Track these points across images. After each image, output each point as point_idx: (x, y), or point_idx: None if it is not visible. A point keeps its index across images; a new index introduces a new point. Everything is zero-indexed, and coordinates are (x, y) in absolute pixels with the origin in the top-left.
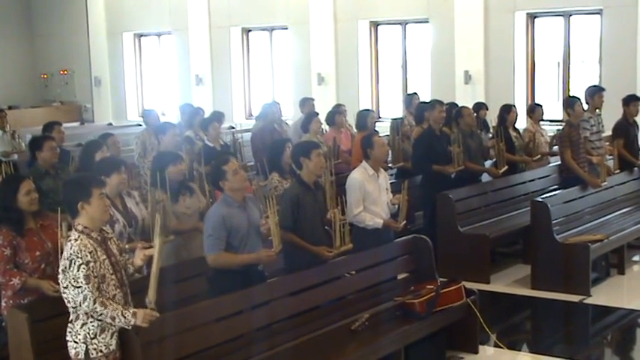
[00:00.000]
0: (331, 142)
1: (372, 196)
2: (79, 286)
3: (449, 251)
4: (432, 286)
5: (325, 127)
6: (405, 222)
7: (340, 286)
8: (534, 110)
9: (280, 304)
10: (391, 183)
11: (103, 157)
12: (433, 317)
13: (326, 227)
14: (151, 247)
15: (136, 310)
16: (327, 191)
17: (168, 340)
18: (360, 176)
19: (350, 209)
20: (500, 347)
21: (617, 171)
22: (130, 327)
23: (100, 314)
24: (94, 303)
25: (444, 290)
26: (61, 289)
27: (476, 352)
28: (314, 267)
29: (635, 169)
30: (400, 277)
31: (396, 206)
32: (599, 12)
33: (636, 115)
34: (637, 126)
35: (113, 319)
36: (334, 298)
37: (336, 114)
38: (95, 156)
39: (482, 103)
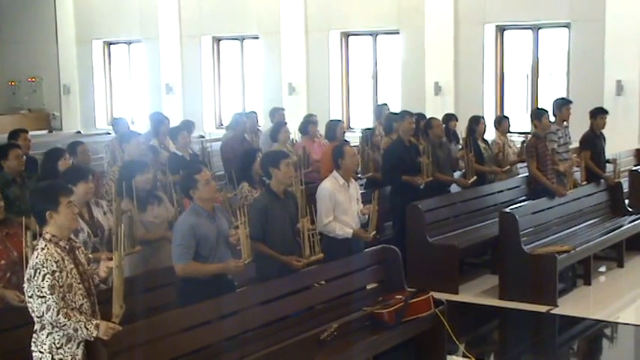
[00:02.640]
0: (301, 152)
1: (342, 206)
2: (43, 296)
3: (418, 261)
4: (400, 296)
5: (295, 136)
6: (374, 232)
7: (309, 296)
8: (501, 122)
9: (249, 314)
10: (361, 193)
11: (66, 165)
12: (402, 327)
13: (297, 238)
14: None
15: (98, 322)
16: (299, 200)
17: (137, 350)
18: (330, 186)
19: (320, 219)
20: (468, 357)
21: (584, 183)
22: (92, 339)
23: (63, 325)
24: (58, 314)
25: (413, 300)
26: (26, 299)
27: None
28: (284, 277)
29: (602, 181)
30: (369, 287)
31: (366, 216)
32: (567, 25)
33: (603, 128)
34: (604, 138)
35: (76, 330)
36: (303, 308)
37: (309, 124)
38: (58, 164)
39: (452, 115)
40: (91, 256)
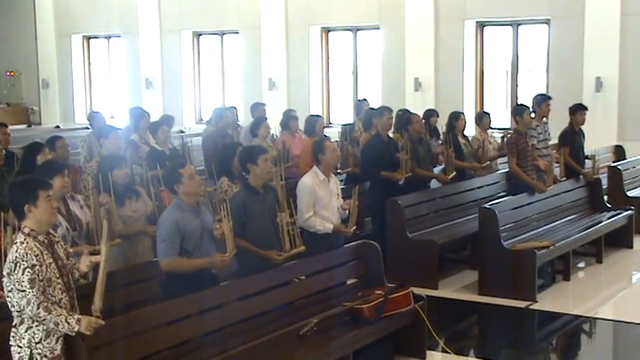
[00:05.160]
0: (281, 147)
1: (322, 201)
2: (23, 290)
3: (398, 257)
4: (380, 292)
5: (275, 131)
6: (355, 227)
7: (289, 291)
8: (482, 118)
9: (229, 309)
10: (341, 188)
11: (45, 159)
12: (381, 322)
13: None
14: (95, 252)
15: (80, 316)
16: (279, 195)
17: (116, 345)
18: (310, 181)
19: (300, 214)
20: (448, 352)
21: (563, 179)
22: (74, 334)
23: (44, 319)
24: (38, 308)
25: (393, 296)
26: (5, 293)
27: (424, 357)
28: (264, 271)
29: (581, 177)
30: (349, 282)
31: (347, 211)
32: (546, 22)
33: (582, 124)
34: (583, 134)
35: (57, 324)
36: (283, 303)
37: (290, 119)
38: (37, 158)
39: (433, 110)
40: (71, 250)
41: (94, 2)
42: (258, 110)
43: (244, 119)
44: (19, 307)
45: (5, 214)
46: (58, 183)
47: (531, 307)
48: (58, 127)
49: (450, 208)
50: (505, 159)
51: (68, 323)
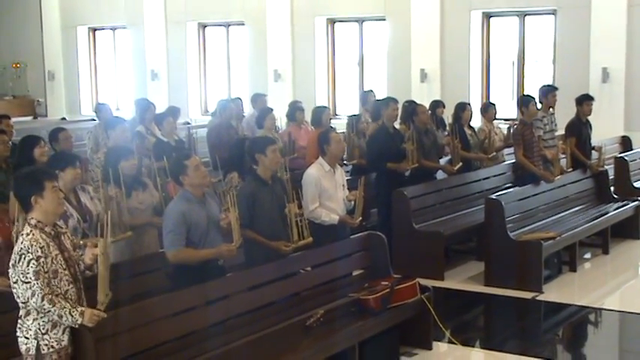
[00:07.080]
0: (287, 138)
1: (328, 192)
2: (28, 282)
3: (404, 248)
4: (386, 283)
5: (281, 122)
6: (360, 218)
7: (295, 282)
8: (487, 109)
9: (235, 300)
10: (347, 179)
11: (42, 152)
12: (387, 313)
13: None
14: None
15: (83, 309)
16: (287, 186)
17: (122, 336)
18: (316, 172)
19: (306, 205)
20: (454, 343)
21: (570, 170)
22: (77, 326)
23: (48, 311)
24: (42, 300)
25: (399, 287)
26: (11, 284)
27: (430, 348)
28: (270, 262)
29: (587, 168)
30: (355, 273)
31: (352, 203)
32: (553, 12)
33: (589, 115)
34: (589, 125)
35: (60, 317)
36: (289, 294)
37: (296, 110)
38: (33, 151)
39: (440, 101)
40: (82, 242)
41: None
42: (259, 102)
43: (248, 111)
44: (24, 299)
45: (6, 205)
46: (70, 174)
47: (537, 297)
48: (64, 119)
49: (456, 199)
50: (511, 150)
51: (71, 315)
